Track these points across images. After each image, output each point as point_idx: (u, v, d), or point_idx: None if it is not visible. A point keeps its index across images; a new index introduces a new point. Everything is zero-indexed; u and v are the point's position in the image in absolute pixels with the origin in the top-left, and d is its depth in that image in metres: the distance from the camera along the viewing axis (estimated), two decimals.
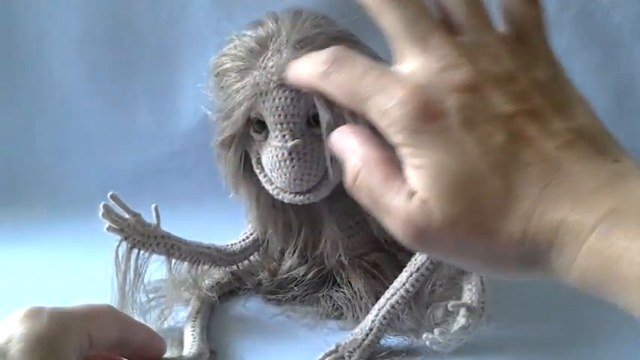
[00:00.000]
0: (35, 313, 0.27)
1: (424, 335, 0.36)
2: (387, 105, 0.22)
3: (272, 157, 0.40)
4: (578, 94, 0.24)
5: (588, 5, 0.64)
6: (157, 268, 0.42)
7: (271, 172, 0.41)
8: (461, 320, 0.35)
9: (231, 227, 0.49)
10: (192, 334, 0.40)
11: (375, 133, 0.24)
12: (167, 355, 0.35)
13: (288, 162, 0.39)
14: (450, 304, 0.35)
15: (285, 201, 0.41)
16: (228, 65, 0.40)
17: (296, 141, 0.39)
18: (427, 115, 0.22)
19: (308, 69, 0.26)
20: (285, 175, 0.40)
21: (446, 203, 0.22)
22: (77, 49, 0.72)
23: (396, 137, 0.23)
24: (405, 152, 0.23)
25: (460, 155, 0.22)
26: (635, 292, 0.19)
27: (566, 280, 0.21)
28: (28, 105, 0.75)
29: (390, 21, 0.24)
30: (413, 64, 0.23)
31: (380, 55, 0.41)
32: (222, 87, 0.41)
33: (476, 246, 0.22)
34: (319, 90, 0.26)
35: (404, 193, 0.23)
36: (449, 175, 0.22)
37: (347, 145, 0.25)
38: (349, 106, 0.24)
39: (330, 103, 0.37)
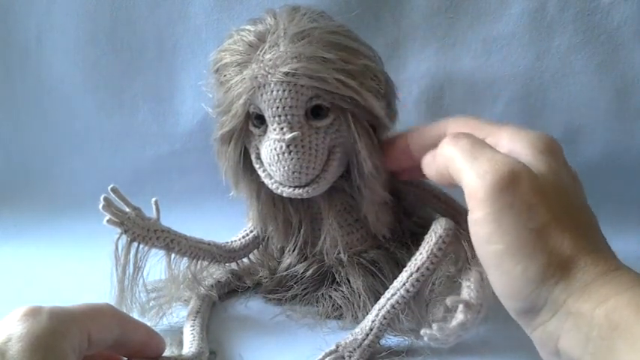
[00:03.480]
0: (34, 313, 0.27)
1: (422, 331, 0.36)
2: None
3: (270, 150, 0.40)
4: None
5: (588, 5, 0.64)
6: (156, 267, 0.42)
7: (270, 165, 0.40)
8: (459, 316, 0.35)
9: (231, 228, 0.49)
10: (192, 333, 0.40)
11: None
12: (166, 353, 0.35)
13: (286, 155, 0.39)
14: (449, 299, 0.35)
15: (284, 195, 0.41)
16: (227, 60, 0.40)
17: (294, 133, 0.39)
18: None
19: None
20: (284, 167, 0.39)
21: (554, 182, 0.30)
22: (77, 48, 0.72)
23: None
24: None
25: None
26: None
27: (581, 319, 0.27)
28: (27, 105, 0.75)
29: None
30: None
31: (375, 51, 0.41)
32: (221, 82, 0.41)
33: (538, 224, 0.29)
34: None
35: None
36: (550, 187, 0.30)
37: None
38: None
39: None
